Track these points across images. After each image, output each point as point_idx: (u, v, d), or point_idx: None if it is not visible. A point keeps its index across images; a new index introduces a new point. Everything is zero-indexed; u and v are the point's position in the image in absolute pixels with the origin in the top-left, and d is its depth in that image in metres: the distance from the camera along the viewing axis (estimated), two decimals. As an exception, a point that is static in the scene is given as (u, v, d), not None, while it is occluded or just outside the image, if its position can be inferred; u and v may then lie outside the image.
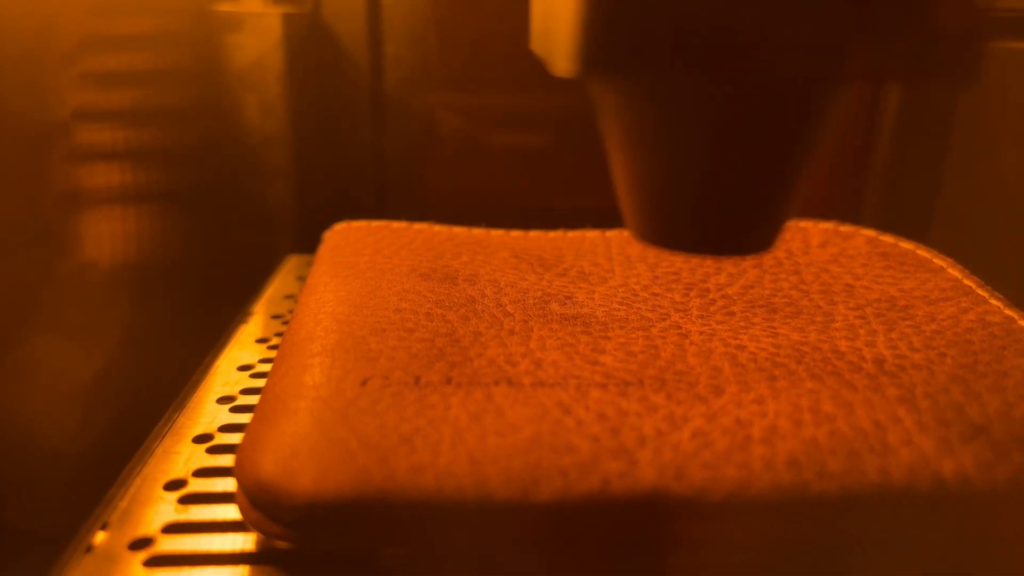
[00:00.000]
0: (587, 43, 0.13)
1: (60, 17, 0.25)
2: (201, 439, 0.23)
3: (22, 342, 0.24)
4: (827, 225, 0.31)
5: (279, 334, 0.30)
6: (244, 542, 0.19)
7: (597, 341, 0.23)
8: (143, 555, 0.18)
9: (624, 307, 0.25)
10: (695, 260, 0.29)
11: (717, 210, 0.16)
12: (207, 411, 0.24)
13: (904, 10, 0.13)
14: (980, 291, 0.26)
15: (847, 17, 0.13)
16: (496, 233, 0.32)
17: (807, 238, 0.30)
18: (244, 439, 0.19)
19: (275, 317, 0.32)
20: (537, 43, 0.18)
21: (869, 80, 0.14)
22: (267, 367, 0.27)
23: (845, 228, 0.31)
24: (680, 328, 0.23)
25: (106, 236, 0.29)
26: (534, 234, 0.32)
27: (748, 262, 0.28)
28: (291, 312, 0.31)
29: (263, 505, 0.18)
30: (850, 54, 0.13)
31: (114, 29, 0.30)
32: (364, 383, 0.20)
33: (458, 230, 0.32)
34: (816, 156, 0.16)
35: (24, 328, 0.24)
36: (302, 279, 0.35)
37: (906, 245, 0.29)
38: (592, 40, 0.13)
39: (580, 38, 0.13)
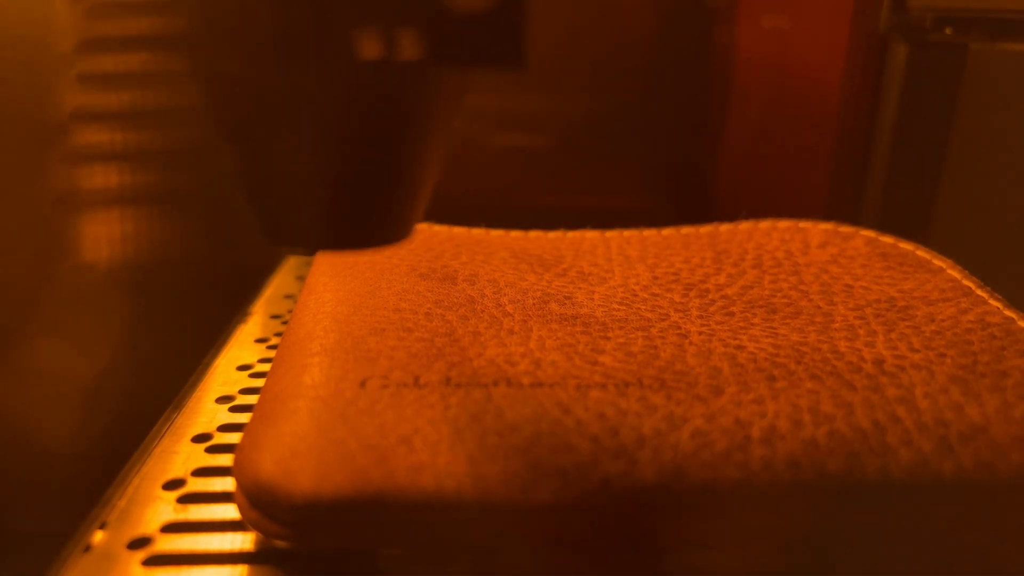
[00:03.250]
0: None
1: (59, 19, 0.25)
2: (200, 439, 0.23)
3: (22, 342, 0.24)
4: (827, 226, 0.31)
5: (278, 334, 0.30)
6: (243, 542, 0.19)
7: (596, 341, 0.23)
8: (142, 554, 0.18)
9: (623, 307, 0.25)
10: (695, 261, 0.29)
11: (332, 204, 0.16)
12: (206, 411, 0.24)
13: None
14: (980, 292, 0.26)
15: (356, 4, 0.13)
16: (495, 233, 0.32)
17: (807, 239, 0.30)
18: (243, 439, 0.19)
19: (274, 317, 0.32)
20: None
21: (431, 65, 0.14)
22: (266, 367, 0.27)
23: (845, 229, 0.30)
24: (679, 328, 0.23)
25: (105, 236, 0.29)
26: (534, 234, 0.32)
27: (748, 262, 0.28)
28: (290, 312, 0.30)
29: (262, 505, 0.18)
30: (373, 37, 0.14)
31: (112, 30, 0.30)
32: (363, 383, 0.20)
33: (457, 230, 0.32)
34: (422, 147, 0.16)
35: (24, 328, 0.24)
36: (301, 279, 0.35)
37: (906, 246, 0.29)
38: None
39: None
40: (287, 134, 0.15)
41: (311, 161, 0.15)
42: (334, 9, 0.13)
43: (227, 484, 0.21)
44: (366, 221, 0.16)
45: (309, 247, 0.17)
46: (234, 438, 0.23)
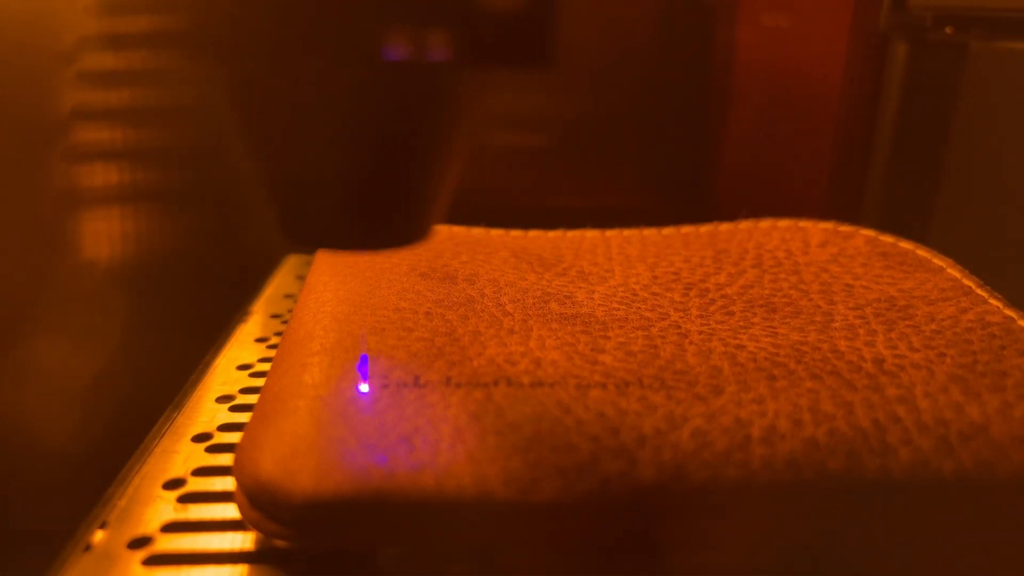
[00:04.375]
0: None
1: (58, 16, 0.25)
2: (200, 438, 0.23)
3: (22, 342, 0.24)
4: (827, 225, 0.31)
5: (278, 333, 0.30)
6: (243, 541, 0.19)
7: (596, 341, 0.23)
8: (142, 554, 0.18)
9: (623, 307, 0.25)
10: (695, 260, 0.29)
11: (353, 204, 0.16)
12: (206, 410, 0.24)
13: None
14: (979, 291, 0.26)
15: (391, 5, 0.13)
16: (496, 233, 0.32)
17: (807, 238, 0.30)
18: (243, 438, 0.19)
19: (274, 316, 0.32)
20: None
21: (458, 66, 0.14)
22: (266, 366, 0.27)
23: (845, 228, 0.30)
24: (679, 328, 0.23)
25: (105, 235, 0.29)
26: (533, 234, 0.32)
27: (748, 262, 0.28)
28: (290, 311, 0.30)
29: (262, 504, 0.18)
30: (404, 40, 0.13)
31: (113, 28, 0.30)
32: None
33: (457, 229, 0.32)
34: (446, 148, 0.16)
35: (24, 328, 0.24)
36: (301, 278, 0.35)
37: (906, 245, 0.29)
38: None
39: None
40: (311, 134, 0.15)
41: (335, 161, 0.15)
42: (363, 9, 0.13)
43: (227, 484, 0.21)
44: (387, 222, 0.16)
45: (329, 246, 0.17)
46: (234, 437, 0.23)
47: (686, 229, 0.32)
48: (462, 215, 0.33)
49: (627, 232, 0.32)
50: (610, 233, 0.32)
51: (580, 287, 0.26)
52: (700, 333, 0.23)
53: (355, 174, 0.16)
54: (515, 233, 0.32)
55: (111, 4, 0.29)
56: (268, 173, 0.16)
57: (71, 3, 0.26)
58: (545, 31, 0.14)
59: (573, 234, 0.32)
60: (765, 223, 0.31)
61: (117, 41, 0.30)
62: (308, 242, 0.17)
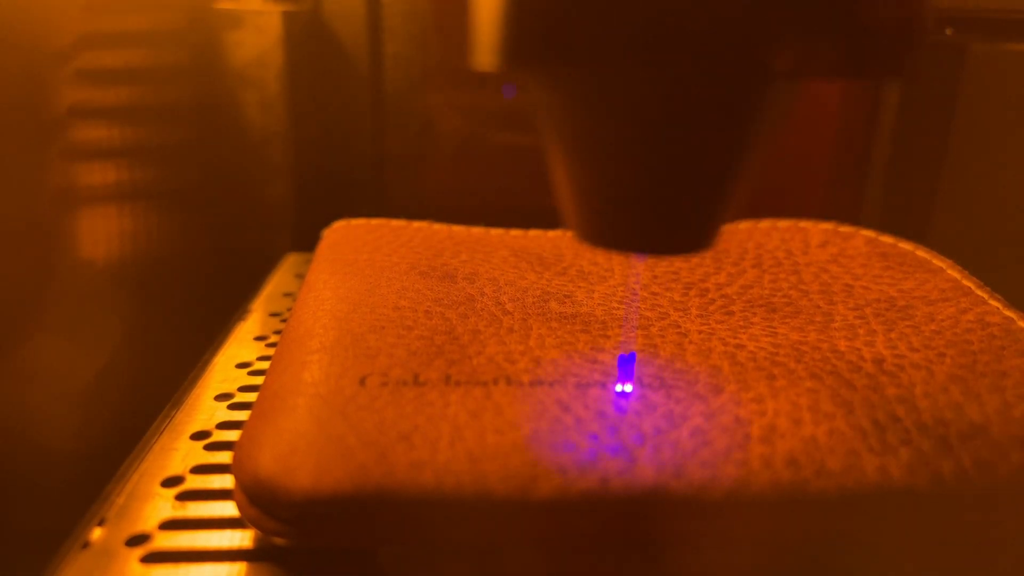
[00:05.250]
0: (509, 35, 0.13)
1: (56, 13, 0.25)
2: (199, 436, 0.23)
3: (21, 340, 0.24)
4: (827, 225, 0.31)
5: (278, 332, 0.30)
6: (242, 539, 0.19)
7: (596, 340, 0.23)
8: (140, 551, 0.18)
9: (623, 306, 0.25)
10: (694, 260, 0.29)
11: (653, 209, 0.16)
12: (205, 408, 0.24)
13: (838, 5, 0.13)
14: (979, 291, 0.26)
15: (778, 9, 0.13)
16: (495, 232, 0.32)
17: (807, 238, 0.30)
18: (242, 436, 0.19)
19: (274, 315, 0.32)
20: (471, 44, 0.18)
21: (801, 75, 0.13)
22: (265, 364, 0.27)
23: (844, 228, 0.31)
24: (679, 327, 0.23)
25: (104, 234, 0.29)
26: (533, 233, 0.32)
27: (747, 262, 0.28)
28: (290, 310, 0.30)
29: (261, 502, 0.18)
30: (780, 47, 0.13)
31: (111, 25, 0.30)
32: (363, 380, 0.20)
33: (457, 229, 0.32)
34: (756, 155, 0.16)
35: (23, 327, 0.24)
36: (301, 277, 0.35)
37: (905, 246, 0.29)
38: (514, 32, 0.13)
39: (503, 30, 0.13)
40: (671, 139, 0.15)
41: (663, 166, 0.15)
42: (761, 18, 0.13)
43: (226, 481, 0.21)
44: (694, 227, 0.16)
45: (626, 250, 0.17)
46: (233, 435, 0.23)
47: (686, 229, 0.32)
48: (462, 215, 0.33)
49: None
50: (610, 233, 0.32)
51: (580, 286, 0.26)
52: (700, 332, 0.23)
53: (675, 180, 0.15)
54: (515, 232, 0.32)
55: (109, 2, 0.29)
56: (584, 174, 0.16)
57: (69, 0, 0.26)
58: (914, 42, 0.13)
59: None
60: (765, 223, 0.31)
61: (116, 39, 0.30)
62: (607, 244, 0.17)
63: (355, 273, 0.27)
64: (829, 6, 0.13)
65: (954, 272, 0.27)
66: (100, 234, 0.29)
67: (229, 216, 0.40)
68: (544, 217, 0.33)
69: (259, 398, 0.21)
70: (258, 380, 0.26)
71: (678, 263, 0.28)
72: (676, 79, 0.14)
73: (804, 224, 0.31)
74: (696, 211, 0.16)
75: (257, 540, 0.19)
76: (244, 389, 0.26)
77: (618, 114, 0.15)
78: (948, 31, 0.34)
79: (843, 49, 0.13)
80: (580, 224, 0.17)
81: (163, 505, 0.20)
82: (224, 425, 0.24)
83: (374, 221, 0.32)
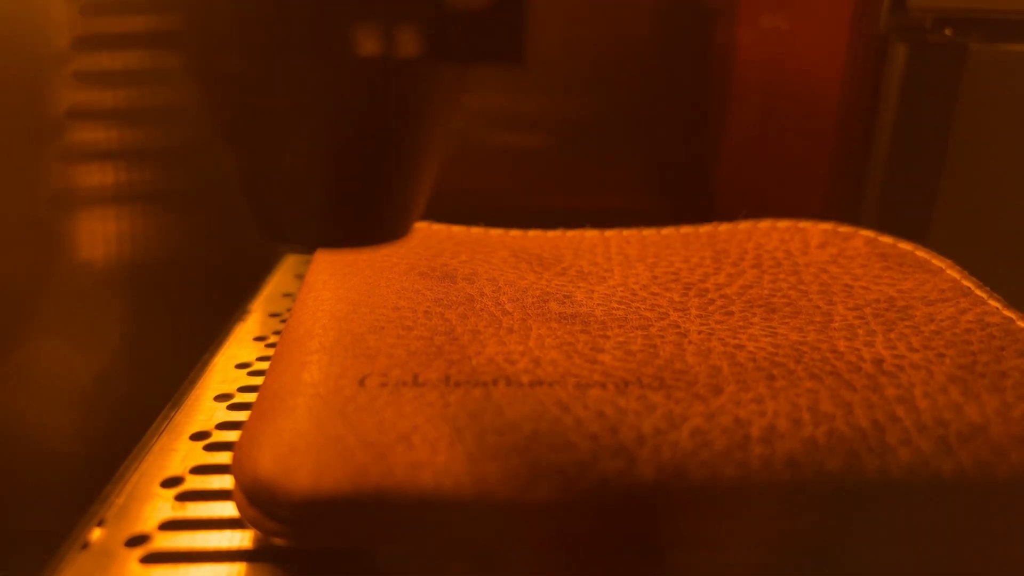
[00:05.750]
0: None
1: (54, 15, 0.25)
2: (199, 436, 0.23)
3: (21, 341, 0.24)
4: (826, 226, 0.31)
5: (277, 332, 0.30)
6: (241, 539, 0.19)
7: (596, 340, 0.22)
8: (140, 552, 0.18)
9: (623, 306, 0.25)
10: (694, 260, 0.29)
11: (331, 201, 0.16)
12: (205, 409, 0.24)
13: None
14: (979, 292, 0.26)
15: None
16: (495, 232, 0.32)
17: (806, 238, 0.30)
18: (242, 436, 0.19)
19: (273, 315, 0.32)
20: None
21: (400, 59, 0.14)
22: (265, 365, 0.27)
23: (844, 229, 0.30)
24: (679, 327, 0.23)
25: (103, 235, 0.29)
26: (533, 233, 0.32)
27: (747, 262, 0.28)
28: (289, 310, 0.30)
29: (260, 502, 0.18)
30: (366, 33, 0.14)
31: (109, 27, 0.30)
32: (362, 381, 0.20)
33: (457, 229, 0.32)
34: (421, 145, 0.16)
35: (23, 327, 0.24)
36: (300, 277, 0.35)
37: (905, 246, 0.29)
38: None
39: None
40: (285, 131, 0.15)
41: (310, 158, 0.15)
42: (333, 5, 0.13)
43: (225, 482, 0.21)
44: (365, 219, 0.16)
45: (308, 244, 0.17)
46: (232, 436, 0.23)
47: (685, 229, 0.32)
48: (462, 215, 0.33)
49: (626, 232, 0.32)
50: (609, 233, 0.32)
51: (579, 287, 0.26)
52: (699, 333, 0.23)
53: (330, 171, 0.16)
54: (514, 233, 0.32)
55: (107, 4, 0.29)
56: (244, 171, 0.16)
57: (67, 3, 0.26)
58: (515, 27, 0.14)
59: (572, 234, 0.32)
60: (764, 224, 0.31)
61: (113, 41, 0.30)
62: (286, 239, 0.17)
63: (355, 273, 0.27)
64: None
65: (953, 272, 0.27)
66: (99, 235, 0.29)
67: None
68: (544, 217, 0.33)
69: (259, 398, 0.21)
70: (258, 380, 0.26)
71: (677, 263, 0.28)
72: (285, 72, 0.14)
73: (804, 224, 0.31)
74: (367, 201, 0.16)
75: (257, 540, 0.19)
76: (244, 389, 0.26)
77: (257, 110, 0.15)
78: (948, 31, 0.34)
79: (430, 33, 0.14)
80: (259, 219, 0.17)
81: (163, 505, 0.20)
82: (224, 425, 0.24)
83: (374, 221, 0.32)
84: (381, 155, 0.16)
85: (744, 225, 0.32)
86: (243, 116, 0.15)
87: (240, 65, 0.14)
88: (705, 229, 0.32)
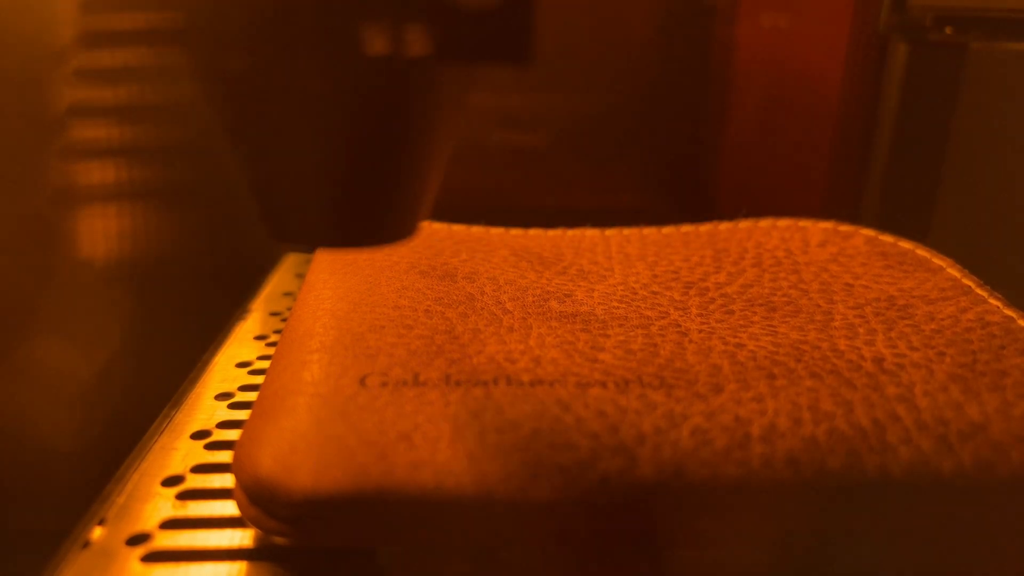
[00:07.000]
0: None
1: (55, 13, 0.25)
2: (199, 435, 0.23)
3: (21, 339, 0.24)
4: (826, 224, 0.31)
5: (278, 331, 0.30)
6: (242, 538, 0.19)
7: (596, 339, 0.22)
8: (140, 551, 0.18)
9: (623, 305, 0.25)
10: (694, 259, 0.29)
11: (337, 200, 0.16)
12: (205, 407, 0.24)
13: None
14: (979, 290, 0.26)
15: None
16: (495, 231, 0.32)
17: (806, 237, 0.30)
18: (242, 435, 0.19)
19: (274, 314, 0.32)
20: None
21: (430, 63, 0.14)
22: (265, 364, 0.27)
23: (844, 227, 0.30)
24: (679, 326, 0.23)
25: (104, 233, 0.29)
26: (533, 232, 0.32)
27: (747, 261, 0.28)
28: (290, 309, 0.30)
29: (261, 501, 0.18)
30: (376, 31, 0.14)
31: (111, 25, 0.30)
32: (363, 380, 0.20)
33: (457, 228, 0.32)
34: (427, 144, 0.16)
35: (23, 326, 0.24)
36: (301, 276, 0.35)
37: (905, 245, 0.29)
38: None
39: None
40: (291, 130, 0.15)
41: (315, 157, 0.15)
42: (340, 5, 0.13)
43: (226, 481, 0.21)
44: (370, 218, 0.16)
45: (313, 244, 0.17)
46: (233, 435, 0.23)
47: (686, 228, 0.32)
48: (462, 215, 0.33)
49: (627, 231, 0.32)
50: (610, 232, 0.32)
51: (580, 285, 0.26)
52: (700, 332, 0.23)
53: (336, 170, 0.16)
54: (515, 231, 0.32)
55: (108, 0, 0.29)
56: (250, 170, 0.16)
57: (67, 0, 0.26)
58: (523, 27, 0.14)
59: (573, 233, 0.32)
60: (765, 222, 0.31)
61: (114, 38, 0.30)
62: (291, 239, 0.17)
63: (355, 272, 0.27)
64: None
65: (954, 271, 0.27)
66: (100, 233, 0.29)
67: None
68: (545, 216, 0.33)
69: (259, 397, 0.21)
70: (258, 379, 0.26)
71: (678, 262, 0.28)
72: (291, 71, 0.14)
73: (804, 223, 0.31)
74: (372, 200, 0.16)
75: (257, 539, 0.19)
76: (244, 388, 0.26)
77: (263, 108, 0.15)
78: (948, 31, 0.34)
79: (436, 32, 0.14)
80: (265, 219, 0.17)
81: (163, 504, 0.20)
82: (224, 424, 0.24)
83: (374, 220, 0.32)
84: (388, 154, 0.16)
85: (744, 224, 0.32)
86: (249, 115, 0.15)
87: (246, 64, 0.14)
88: (705, 228, 0.32)
